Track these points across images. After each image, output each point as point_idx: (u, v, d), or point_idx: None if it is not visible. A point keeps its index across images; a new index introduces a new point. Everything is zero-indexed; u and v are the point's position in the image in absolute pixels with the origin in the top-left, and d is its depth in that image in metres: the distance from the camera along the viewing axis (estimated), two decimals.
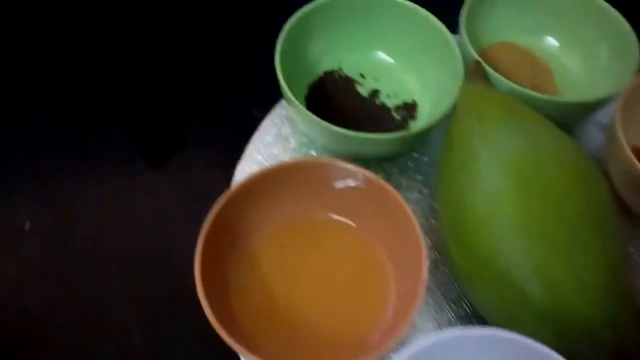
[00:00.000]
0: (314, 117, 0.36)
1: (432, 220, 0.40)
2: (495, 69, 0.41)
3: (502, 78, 0.39)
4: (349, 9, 0.42)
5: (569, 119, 0.41)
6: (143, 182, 0.42)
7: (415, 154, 0.43)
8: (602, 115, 0.43)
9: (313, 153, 0.42)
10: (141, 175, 0.42)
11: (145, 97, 0.46)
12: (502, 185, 0.31)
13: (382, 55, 0.45)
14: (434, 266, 0.38)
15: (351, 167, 0.35)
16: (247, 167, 0.41)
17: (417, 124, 0.42)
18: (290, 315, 0.34)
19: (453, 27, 0.42)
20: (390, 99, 0.44)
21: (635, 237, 0.40)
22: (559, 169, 0.31)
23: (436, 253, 0.39)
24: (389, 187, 0.34)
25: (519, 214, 0.30)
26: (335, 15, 0.42)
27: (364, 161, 0.42)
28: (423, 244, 0.32)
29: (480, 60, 0.39)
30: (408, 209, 0.33)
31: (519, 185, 0.31)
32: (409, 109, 0.43)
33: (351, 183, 0.35)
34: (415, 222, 0.33)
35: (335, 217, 0.37)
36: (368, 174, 0.35)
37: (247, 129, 0.43)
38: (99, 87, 0.46)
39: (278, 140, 0.43)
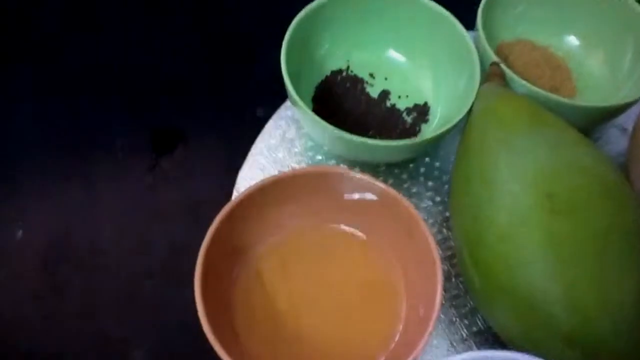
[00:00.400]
0: (321, 121, 0.34)
1: (445, 230, 0.38)
2: (511, 68, 0.39)
3: (521, 80, 0.36)
4: (358, 4, 0.40)
5: (592, 123, 0.39)
6: (142, 185, 0.40)
7: (427, 159, 0.41)
8: (624, 118, 0.41)
9: (319, 157, 0.40)
10: (141, 177, 0.41)
11: (144, 98, 0.44)
12: (526, 199, 0.29)
13: (392, 53, 0.42)
14: (446, 278, 0.37)
15: (365, 178, 0.33)
16: (250, 172, 0.39)
17: (430, 127, 0.40)
18: (295, 331, 0.33)
19: (466, 22, 0.39)
20: (401, 100, 0.41)
21: None
22: (587, 182, 0.29)
23: (448, 265, 0.37)
24: (404, 201, 0.32)
25: (545, 230, 0.28)
26: (343, 12, 0.40)
27: (373, 166, 0.40)
28: (439, 265, 0.30)
29: (499, 61, 0.37)
30: (424, 226, 0.31)
31: (544, 199, 0.29)
32: (421, 112, 0.41)
33: (364, 195, 0.33)
34: (431, 240, 0.31)
35: (345, 228, 0.35)
36: (383, 186, 0.33)
37: (250, 130, 0.41)
38: (96, 92, 0.44)
39: (282, 143, 0.40)
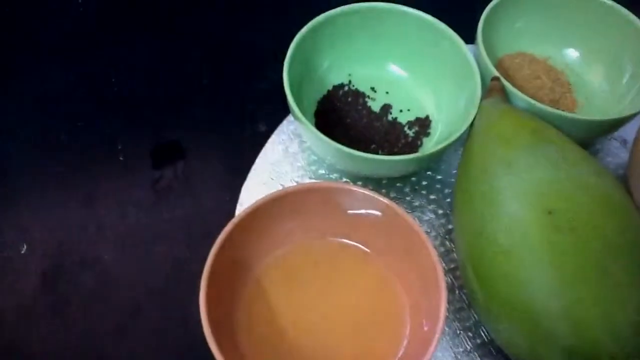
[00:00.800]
0: (323, 137, 0.35)
1: (448, 242, 0.38)
2: (512, 81, 0.39)
3: (521, 94, 0.37)
4: (359, 20, 0.40)
5: (592, 135, 0.40)
6: (144, 201, 0.40)
7: (429, 172, 0.41)
8: (624, 130, 0.41)
9: (322, 171, 0.40)
10: (142, 193, 0.40)
11: (145, 114, 0.44)
12: (527, 216, 0.29)
13: (394, 68, 0.43)
14: (450, 291, 0.37)
15: (368, 193, 0.33)
16: (254, 186, 0.39)
17: (431, 141, 0.40)
18: (298, 346, 0.33)
19: (467, 35, 0.40)
20: (402, 114, 0.42)
21: None
22: (588, 199, 0.29)
23: (452, 277, 0.37)
24: (407, 216, 0.32)
25: (546, 247, 0.28)
26: (345, 27, 0.40)
27: (376, 180, 0.40)
28: (442, 281, 0.30)
29: (499, 76, 0.37)
30: (428, 242, 0.31)
31: (545, 216, 0.29)
32: (422, 125, 0.41)
33: (367, 210, 0.34)
34: (435, 256, 0.31)
35: (348, 242, 0.35)
36: (386, 201, 0.33)
37: (253, 145, 0.41)
38: (97, 108, 0.44)
39: (285, 158, 0.41)
